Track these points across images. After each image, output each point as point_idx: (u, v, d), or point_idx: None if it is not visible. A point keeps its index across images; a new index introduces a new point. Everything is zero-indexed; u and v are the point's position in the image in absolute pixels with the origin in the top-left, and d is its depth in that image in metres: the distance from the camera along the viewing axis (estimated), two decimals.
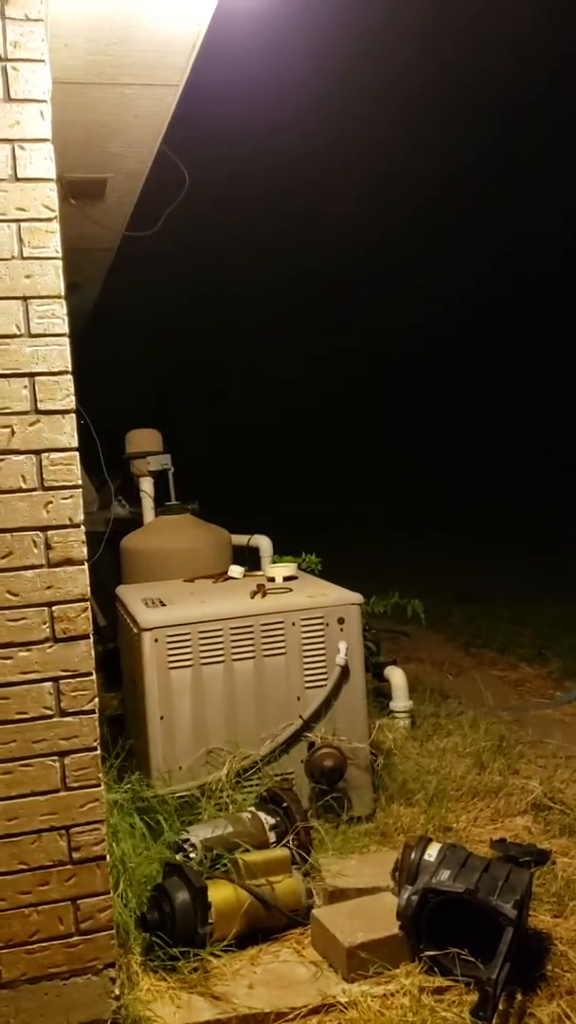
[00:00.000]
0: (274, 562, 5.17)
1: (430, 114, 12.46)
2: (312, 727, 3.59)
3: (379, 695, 4.87)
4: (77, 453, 2.38)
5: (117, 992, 2.44)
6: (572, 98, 12.46)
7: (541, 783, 3.90)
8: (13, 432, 2.32)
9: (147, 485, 5.80)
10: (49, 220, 2.34)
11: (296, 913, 2.88)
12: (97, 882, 2.41)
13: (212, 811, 3.25)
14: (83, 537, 2.38)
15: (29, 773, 2.35)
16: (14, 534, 2.33)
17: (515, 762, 4.19)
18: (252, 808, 3.22)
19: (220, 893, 2.77)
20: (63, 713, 2.36)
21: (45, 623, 2.35)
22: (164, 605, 3.71)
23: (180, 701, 3.47)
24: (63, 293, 2.36)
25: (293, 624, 3.61)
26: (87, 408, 2.76)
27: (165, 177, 4.53)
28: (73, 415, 2.37)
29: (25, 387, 2.33)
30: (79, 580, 2.37)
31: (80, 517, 2.38)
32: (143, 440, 5.86)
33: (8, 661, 2.33)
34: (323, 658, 3.63)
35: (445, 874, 2.66)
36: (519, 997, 2.53)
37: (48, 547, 2.35)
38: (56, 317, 2.34)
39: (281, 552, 5.36)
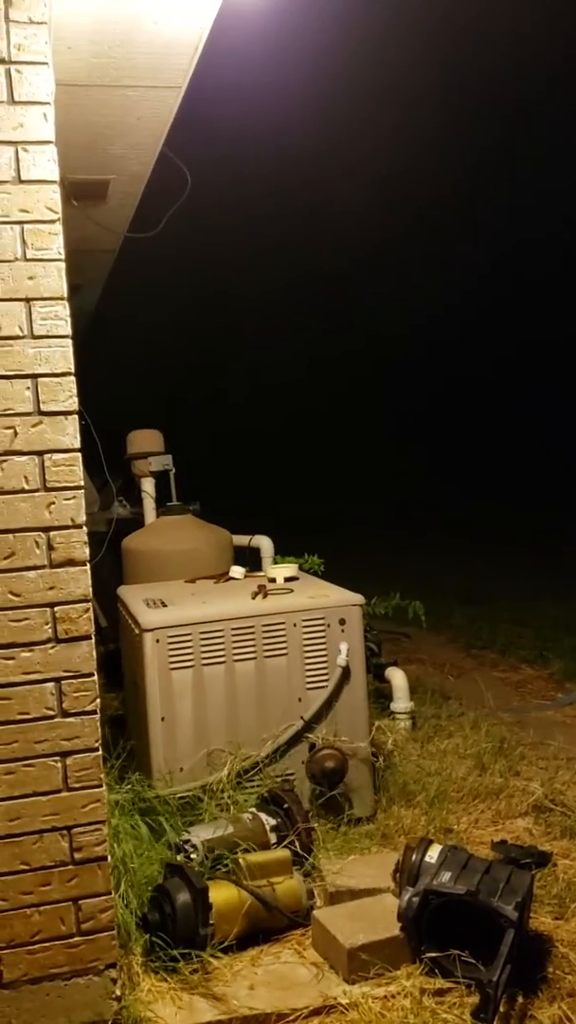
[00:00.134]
0: (276, 563, 5.18)
1: (431, 115, 12.48)
2: (313, 728, 3.59)
3: (380, 696, 4.87)
4: (79, 454, 2.39)
5: (118, 993, 2.44)
6: (572, 98, 12.47)
7: (542, 785, 3.90)
8: (16, 433, 2.32)
9: (148, 486, 5.80)
10: (52, 222, 2.34)
11: (297, 914, 2.88)
12: (98, 883, 2.41)
13: (213, 812, 3.26)
14: (85, 538, 2.39)
15: (31, 773, 2.35)
16: (16, 535, 2.33)
17: (516, 764, 4.19)
18: (253, 809, 3.23)
19: (221, 894, 2.77)
20: (65, 714, 2.37)
21: (47, 624, 2.36)
22: (165, 606, 3.72)
23: (181, 702, 3.47)
24: (66, 295, 2.36)
25: (294, 625, 3.62)
26: (88, 408, 2.76)
27: (167, 179, 4.53)
28: (76, 416, 2.38)
29: (28, 388, 2.33)
30: (81, 581, 2.38)
31: (82, 518, 2.38)
32: (144, 441, 5.87)
33: (10, 662, 2.33)
34: (324, 659, 3.64)
35: (446, 876, 2.66)
36: (520, 999, 2.53)
37: (50, 548, 2.35)
38: (59, 319, 2.35)
39: (283, 552, 5.37)
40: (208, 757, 3.47)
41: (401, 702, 4.76)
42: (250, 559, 5.27)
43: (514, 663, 6.29)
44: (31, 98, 2.32)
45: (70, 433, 2.37)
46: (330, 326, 16.31)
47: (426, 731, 4.67)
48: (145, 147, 4.09)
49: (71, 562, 2.37)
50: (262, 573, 4.43)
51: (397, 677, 4.82)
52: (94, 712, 2.39)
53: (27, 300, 2.32)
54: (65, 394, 2.36)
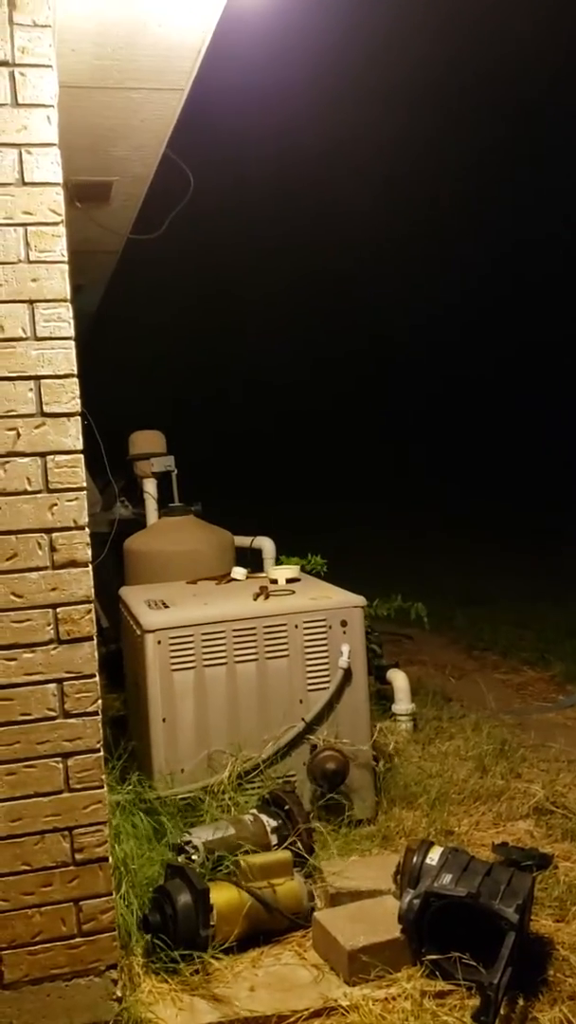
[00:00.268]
0: (279, 563, 5.18)
1: (432, 116, 12.49)
2: (314, 730, 3.59)
3: (381, 698, 4.87)
4: (82, 456, 2.39)
5: (119, 994, 2.44)
6: (574, 97, 12.48)
7: (543, 787, 3.90)
8: (19, 435, 2.33)
9: (150, 487, 5.81)
10: (55, 224, 2.35)
11: (298, 916, 2.89)
12: (99, 883, 2.42)
13: (214, 813, 3.26)
14: (87, 539, 2.39)
15: (33, 774, 2.35)
16: (19, 536, 2.34)
17: (517, 766, 4.19)
18: (254, 810, 3.23)
19: (222, 895, 2.77)
20: (66, 715, 2.37)
21: (49, 625, 2.36)
22: (167, 607, 3.72)
23: (182, 703, 3.47)
24: (69, 297, 2.37)
25: (296, 626, 3.62)
26: (91, 409, 2.76)
27: (170, 180, 4.54)
28: (78, 418, 2.38)
29: (31, 390, 2.34)
30: (83, 582, 2.38)
31: (85, 519, 2.39)
32: (146, 442, 5.87)
33: (12, 662, 2.33)
34: (326, 661, 3.64)
35: (447, 878, 2.66)
36: (521, 1002, 2.53)
37: (53, 549, 2.36)
38: (62, 320, 2.35)
39: (285, 552, 5.36)
40: (209, 758, 3.47)
41: (402, 704, 4.76)
42: (252, 560, 5.27)
43: (515, 665, 6.28)
44: (35, 100, 2.32)
45: (72, 435, 2.37)
46: (332, 327, 16.33)
47: (427, 733, 4.67)
48: (148, 149, 4.10)
49: (73, 563, 2.37)
50: (264, 574, 4.43)
51: (399, 679, 4.82)
52: (96, 713, 2.40)
53: (30, 302, 2.33)
54: (68, 396, 2.37)
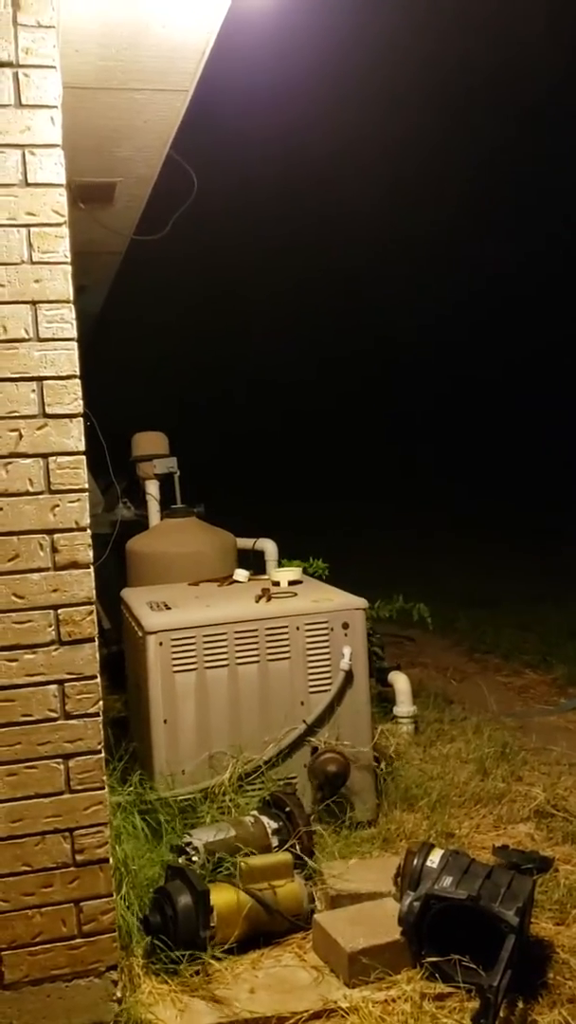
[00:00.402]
0: (281, 566, 5.18)
1: (438, 116, 12.48)
2: (316, 732, 3.59)
3: (383, 700, 4.87)
4: (84, 457, 2.40)
5: (119, 995, 2.45)
6: None
7: (544, 790, 3.89)
8: (21, 436, 2.33)
9: (153, 488, 5.81)
10: (58, 225, 2.35)
11: (298, 917, 2.89)
12: (100, 884, 2.42)
13: (215, 815, 3.26)
14: (89, 540, 2.40)
15: (33, 775, 2.36)
16: (21, 537, 2.34)
17: (518, 769, 4.18)
18: (255, 812, 3.23)
19: (222, 897, 2.78)
20: (68, 716, 2.37)
21: (51, 626, 2.36)
22: (169, 608, 3.72)
23: (184, 705, 3.47)
24: (72, 298, 2.37)
25: (297, 628, 3.62)
26: (93, 410, 2.77)
27: (174, 181, 4.54)
28: (80, 419, 2.39)
29: (33, 391, 2.34)
30: (85, 583, 2.38)
31: (86, 521, 2.39)
32: (149, 443, 5.87)
33: (14, 664, 2.34)
34: (327, 663, 3.64)
35: (447, 880, 2.65)
36: (520, 1005, 2.52)
37: (54, 550, 2.36)
38: (65, 322, 2.36)
39: (290, 552, 5.36)
40: (210, 760, 3.47)
41: (404, 706, 4.76)
42: (254, 562, 5.28)
43: (517, 668, 6.27)
44: (38, 101, 2.33)
45: (75, 436, 2.37)
46: (338, 327, 16.33)
47: (428, 735, 4.67)
48: (152, 150, 4.10)
49: (75, 564, 2.37)
50: (266, 576, 4.43)
51: (400, 681, 4.81)
52: (97, 714, 2.40)
53: (33, 303, 2.33)
54: (70, 397, 2.37)
